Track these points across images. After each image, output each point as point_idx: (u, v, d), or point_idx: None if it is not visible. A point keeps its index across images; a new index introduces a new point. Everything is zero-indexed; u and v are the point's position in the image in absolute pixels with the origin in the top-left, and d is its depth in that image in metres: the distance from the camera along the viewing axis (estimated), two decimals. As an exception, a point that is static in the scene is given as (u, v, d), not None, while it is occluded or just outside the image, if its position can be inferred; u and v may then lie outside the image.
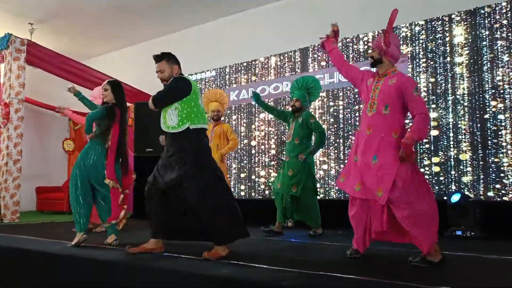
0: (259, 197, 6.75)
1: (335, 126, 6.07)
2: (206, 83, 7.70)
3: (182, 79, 3.37)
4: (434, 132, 5.27)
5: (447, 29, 5.32)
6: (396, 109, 3.06)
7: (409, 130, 3.02)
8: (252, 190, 6.83)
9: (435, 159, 5.24)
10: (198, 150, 3.30)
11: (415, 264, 2.89)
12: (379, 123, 3.08)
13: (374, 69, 3.35)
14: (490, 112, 4.95)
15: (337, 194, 5.98)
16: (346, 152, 5.95)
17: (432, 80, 5.36)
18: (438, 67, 5.34)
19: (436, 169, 5.22)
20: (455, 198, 4.65)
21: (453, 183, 5.11)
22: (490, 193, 4.87)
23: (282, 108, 6.62)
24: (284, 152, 5.64)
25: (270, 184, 6.57)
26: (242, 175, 6.98)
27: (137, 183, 8.06)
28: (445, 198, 4.98)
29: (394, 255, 3.39)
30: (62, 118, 10.64)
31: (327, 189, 6.06)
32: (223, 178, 3.38)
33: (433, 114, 5.28)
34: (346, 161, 5.94)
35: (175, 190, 3.28)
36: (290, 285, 2.32)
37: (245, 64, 7.18)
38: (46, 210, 9.16)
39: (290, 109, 5.09)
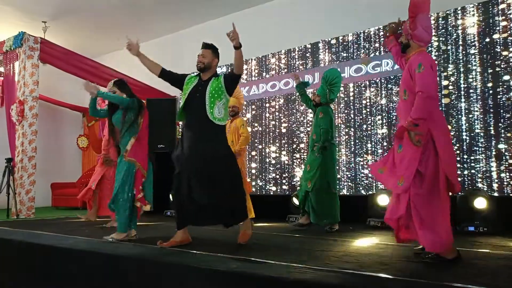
0: (271, 192, 6.75)
1: (347, 119, 6.03)
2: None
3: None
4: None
5: (460, 21, 5.24)
6: (413, 93, 2.88)
7: None
8: (264, 185, 6.83)
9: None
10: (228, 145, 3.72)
11: (426, 261, 2.84)
12: (402, 110, 2.99)
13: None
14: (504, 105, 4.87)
15: (349, 190, 5.94)
16: (357, 143, 5.91)
17: (444, 73, 5.29)
18: (451, 57, 5.26)
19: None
20: (480, 203, 4.52)
21: (465, 176, 5.04)
22: (505, 188, 4.80)
23: (297, 107, 6.60)
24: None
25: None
26: (253, 170, 6.98)
27: (155, 179, 8.14)
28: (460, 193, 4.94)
29: (406, 250, 3.35)
30: (76, 115, 10.80)
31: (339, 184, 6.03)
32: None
33: (444, 107, 5.23)
34: (360, 154, 5.91)
35: (203, 178, 3.46)
36: (298, 280, 2.31)
37: (255, 59, 7.17)
38: (61, 206, 9.29)
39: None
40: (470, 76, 5.11)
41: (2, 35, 7.96)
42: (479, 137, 5.00)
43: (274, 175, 6.74)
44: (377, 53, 5.88)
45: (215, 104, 3.54)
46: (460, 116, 5.15)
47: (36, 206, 7.10)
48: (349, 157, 5.98)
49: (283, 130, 6.70)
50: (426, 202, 2.79)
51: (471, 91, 5.10)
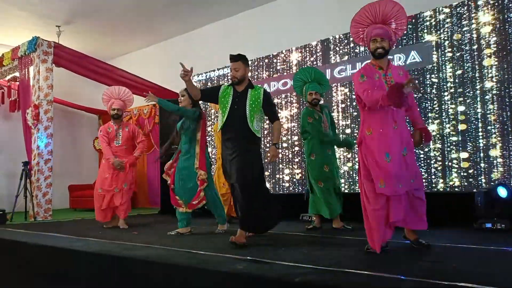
0: (283, 192, 6.71)
1: (359, 119, 5.93)
2: (229, 79, 7.68)
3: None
4: (462, 126, 5.07)
5: (473, 14, 5.10)
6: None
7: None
8: (277, 186, 6.79)
9: (464, 154, 5.04)
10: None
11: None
12: (402, 116, 3.15)
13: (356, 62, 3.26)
14: (522, 98, 4.72)
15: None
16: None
17: (459, 71, 5.16)
18: (465, 55, 5.12)
19: (464, 164, 5.02)
20: (503, 192, 4.36)
21: (482, 175, 4.91)
22: (523, 183, 4.65)
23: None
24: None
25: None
26: (266, 172, 6.94)
27: (163, 180, 8.18)
28: (474, 191, 4.81)
29: (415, 249, 3.27)
30: (92, 118, 10.95)
31: (351, 183, 5.94)
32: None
33: (460, 108, 5.11)
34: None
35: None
36: (303, 281, 2.27)
37: (266, 58, 7.13)
38: (78, 208, 9.42)
39: (313, 102, 4.80)
40: (485, 73, 4.97)
41: (18, 40, 8.11)
42: (496, 137, 4.86)
43: (286, 177, 6.70)
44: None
45: (254, 117, 3.74)
46: (477, 111, 5.02)
47: (54, 208, 7.22)
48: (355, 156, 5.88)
49: (295, 140, 6.65)
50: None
51: (486, 94, 4.97)
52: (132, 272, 3.01)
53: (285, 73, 6.86)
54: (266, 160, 3.82)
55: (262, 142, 6.81)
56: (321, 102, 5.09)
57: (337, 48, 6.28)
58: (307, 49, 6.63)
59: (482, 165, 4.91)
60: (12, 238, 4.43)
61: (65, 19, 8.36)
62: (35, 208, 6.75)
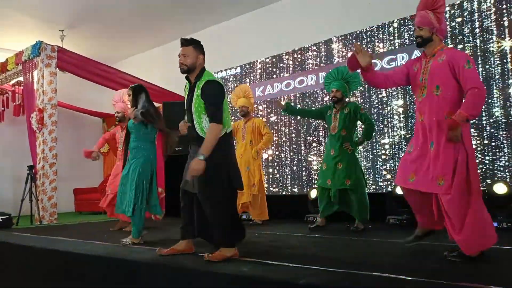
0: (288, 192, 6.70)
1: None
2: (232, 80, 7.69)
3: (218, 85, 3.14)
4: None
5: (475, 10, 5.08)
6: (449, 89, 2.82)
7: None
8: (282, 186, 6.79)
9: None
10: (226, 159, 3.12)
11: (450, 259, 2.74)
12: (431, 106, 2.88)
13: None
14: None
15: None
16: (375, 144, 5.80)
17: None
18: (468, 52, 5.10)
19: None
20: (500, 189, 4.34)
21: (486, 175, 4.88)
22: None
23: (310, 105, 6.53)
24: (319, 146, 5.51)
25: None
26: (270, 169, 6.94)
27: (169, 181, 8.17)
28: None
29: (421, 249, 3.26)
30: (96, 121, 10.97)
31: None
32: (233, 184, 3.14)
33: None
34: (375, 154, 5.80)
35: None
36: (308, 283, 2.27)
37: (269, 59, 7.12)
38: (84, 211, 9.44)
39: (331, 101, 4.88)
40: (488, 62, 4.95)
41: (22, 44, 8.13)
42: (501, 126, 4.83)
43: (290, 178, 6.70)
44: (392, 47, 5.75)
45: (201, 118, 3.07)
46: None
47: (59, 211, 7.23)
48: (366, 153, 5.87)
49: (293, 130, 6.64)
50: (459, 204, 2.70)
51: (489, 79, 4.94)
52: (137, 275, 3.02)
53: (287, 74, 6.85)
54: (187, 178, 3.03)
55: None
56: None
57: (340, 48, 6.27)
58: (310, 49, 6.62)
59: (486, 162, 4.89)
60: (18, 242, 4.45)
61: (68, 23, 8.39)
62: (40, 212, 6.77)
